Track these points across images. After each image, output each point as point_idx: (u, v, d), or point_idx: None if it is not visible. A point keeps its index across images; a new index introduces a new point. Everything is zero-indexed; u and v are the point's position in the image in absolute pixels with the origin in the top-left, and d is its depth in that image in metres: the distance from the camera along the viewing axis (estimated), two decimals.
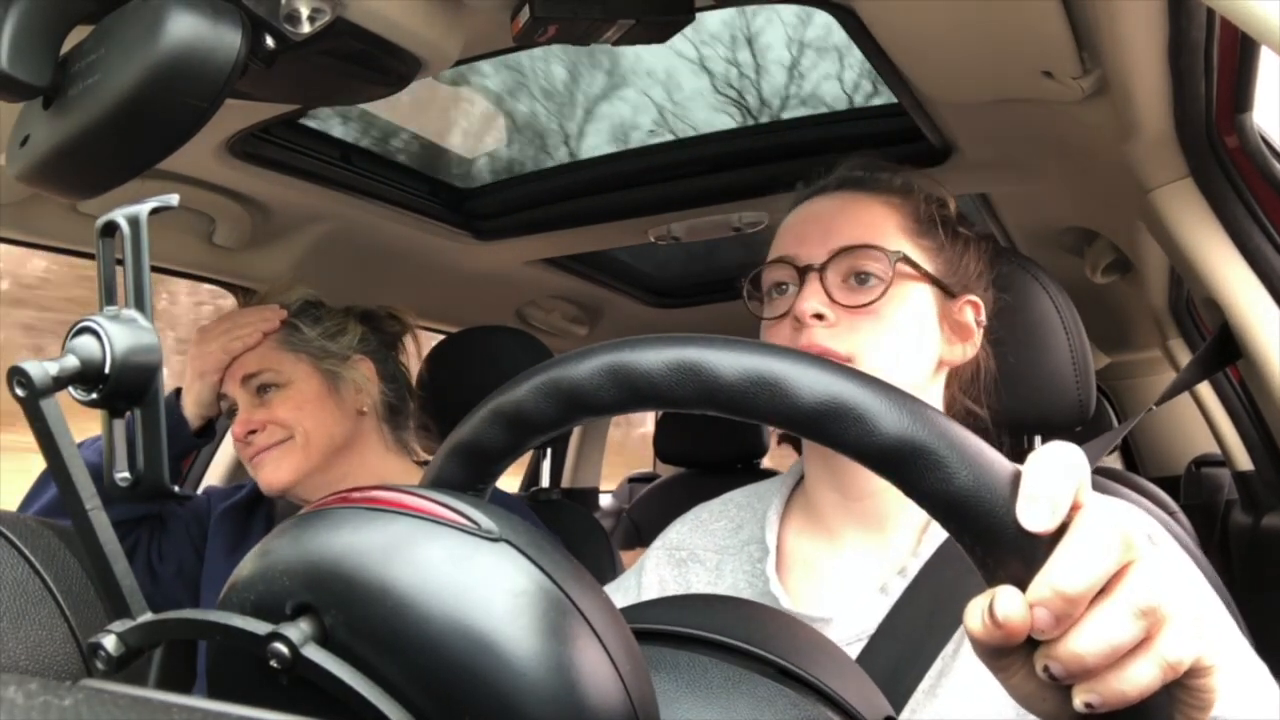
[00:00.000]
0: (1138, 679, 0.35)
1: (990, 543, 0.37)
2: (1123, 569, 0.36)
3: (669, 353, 0.41)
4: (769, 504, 0.86)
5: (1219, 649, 0.38)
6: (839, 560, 0.79)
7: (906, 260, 0.77)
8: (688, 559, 0.85)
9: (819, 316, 0.75)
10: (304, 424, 1.20)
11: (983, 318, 0.83)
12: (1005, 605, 0.36)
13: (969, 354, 0.82)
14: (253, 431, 1.20)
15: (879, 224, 0.79)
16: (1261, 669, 0.67)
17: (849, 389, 0.39)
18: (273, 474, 1.19)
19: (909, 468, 0.38)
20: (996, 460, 0.38)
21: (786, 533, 0.83)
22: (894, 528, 0.79)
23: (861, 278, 0.77)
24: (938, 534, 0.76)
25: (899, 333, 0.77)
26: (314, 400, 1.22)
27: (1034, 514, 0.36)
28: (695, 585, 0.83)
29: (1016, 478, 0.37)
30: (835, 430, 0.39)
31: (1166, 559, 0.38)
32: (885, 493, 0.78)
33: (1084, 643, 0.35)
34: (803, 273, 0.78)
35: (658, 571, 0.86)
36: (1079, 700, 0.36)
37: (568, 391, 0.44)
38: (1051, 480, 0.37)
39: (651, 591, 0.85)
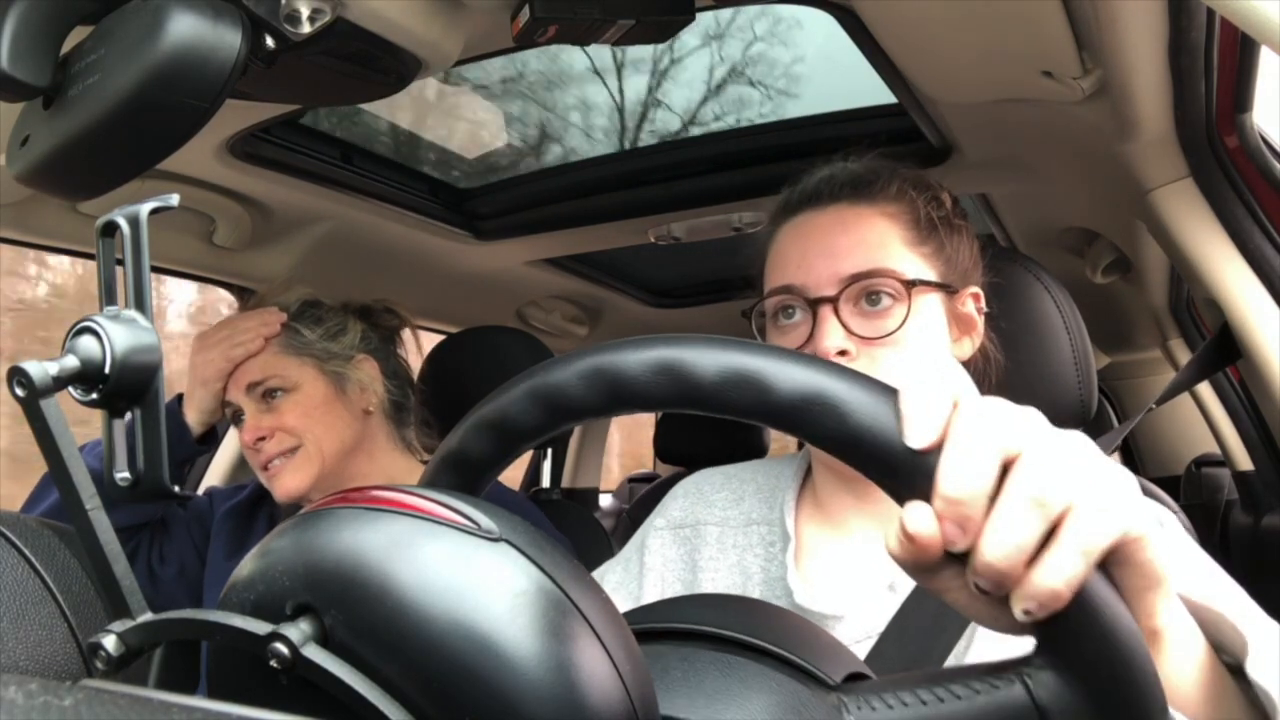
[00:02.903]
0: (1060, 571, 0.35)
1: (892, 470, 0.38)
2: (1010, 464, 0.37)
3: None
4: (778, 484, 0.86)
5: (1142, 519, 0.37)
6: (847, 552, 0.80)
7: (917, 281, 0.77)
8: (691, 536, 0.85)
9: (842, 353, 0.75)
10: (313, 430, 1.19)
11: (983, 305, 0.83)
12: (913, 520, 0.36)
13: (976, 345, 0.83)
14: (262, 438, 1.19)
15: (882, 241, 0.78)
16: (1221, 573, 0.66)
17: (741, 358, 0.40)
18: (289, 483, 1.19)
19: (807, 418, 0.39)
20: (881, 390, 0.39)
21: (799, 521, 0.83)
22: None
23: (873, 298, 0.77)
24: None
25: (916, 353, 0.77)
26: (322, 405, 1.21)
27: (915, 430, 0.37)
28: (701, 564, 0.83)
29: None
30: (736, 400, 0.40)
31: (1062, 443, 0.38)
32: None
33: (990, 548, 0.36)
34: (814, 304, 0.77)
35: (663, 552, 0.86)
36: (1017, 610, 0.36)
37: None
38: (926, 393, 0.37)
39: (654, 572, 0.85)
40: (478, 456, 0.48)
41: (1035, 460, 0.36)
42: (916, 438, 0.37)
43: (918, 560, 0.37)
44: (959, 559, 0.37)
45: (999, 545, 0.35)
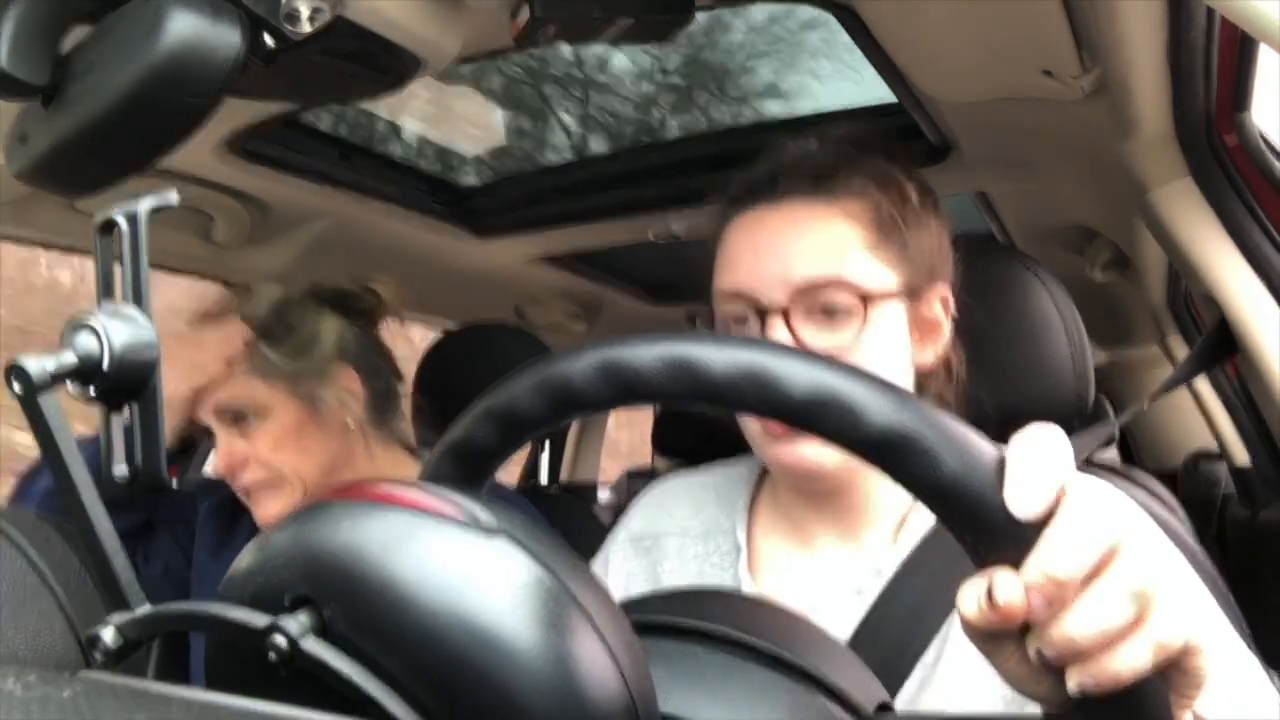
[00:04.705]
0: (1130, 661, 0.35)
1: (980, 529, 0.37)
2: (1113, 550, 0.36)
3: (661, 348, 0.42)
4: (734, 489, 0.84)
5: (1206, 629, 0.38)
6: (811, 562, 0.77)
7: (876, 293, 0.72)
8: (652, 547, 0.83)
9: None
10: (289, 461, 1.10)
11: (951, 309, 0.78)
12: (1005, 590, 0.36)
13: (939, 353, 0.78)
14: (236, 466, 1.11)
15: (839, 246, 0.72)
16: (1246, 653, 0.66)
17: (837, 380, 0.39)
18: (270, 509, 1.10)
19: (897, 456, 0.38)
20: (982, 445, 0.38)
21: (755, 529, 0.81)
22: (868, 525, 0.77)
23: (828, 308, 0.71)
24: (914, 532, 0.74)
25: (873, 363, 0.72)
26: (295, 430, 1.11)
27: (1021, 499, 0.36)
28: (662, 577, 0.81)
29: (1002, 462, 0.37)
30: (824, 420, 0.39)
31: (1155, 539, 0.38)
32: (850, 491, 0.76)
33: (1076, 626, 0.35)
34: (764, 313, 0.72)
35: (625, 565, 0.84)
36: (1072, 683, 0.36)
37: (561, 388, 0.44)
38: (1036, 464, 0.37)
39: (618, 585, 0.83)
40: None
41: (1139, 553, 0.36)
42: (1023, 507, 0.36)
43: (994, 628, 0.37)
44: (1023, 626, 0.37)
45: (1088, 627, 0.35)
